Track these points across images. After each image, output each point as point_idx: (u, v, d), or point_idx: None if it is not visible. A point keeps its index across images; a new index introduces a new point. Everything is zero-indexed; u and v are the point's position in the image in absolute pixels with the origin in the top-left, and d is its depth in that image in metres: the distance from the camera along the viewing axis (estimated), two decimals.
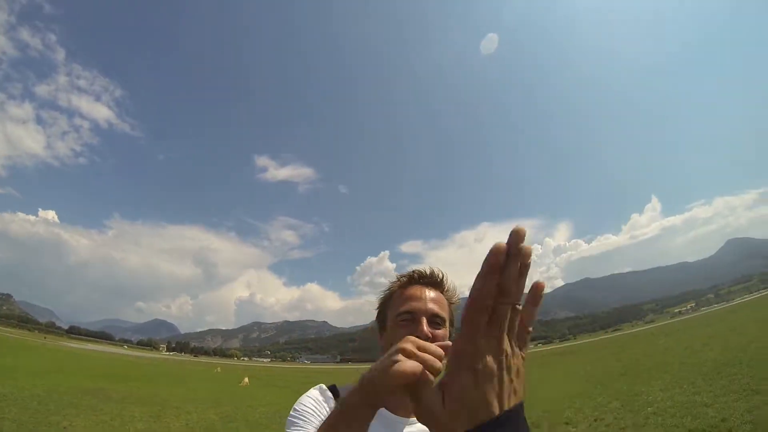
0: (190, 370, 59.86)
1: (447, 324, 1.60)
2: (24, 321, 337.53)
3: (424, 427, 1.50)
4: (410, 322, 1.55)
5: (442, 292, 1.66)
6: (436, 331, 1.54)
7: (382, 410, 1.57)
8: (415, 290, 1.64)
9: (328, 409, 1.57)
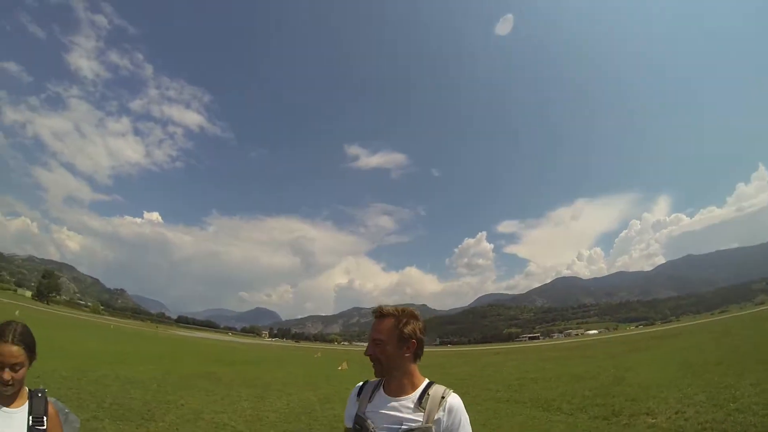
0: (291, 355, 62.56)
1: (393, 340, 2.56)
2: (137, 312, 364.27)
3: (408, 403, 2.49)
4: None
5: (392, 319, 2.61)
6: (375, 348, 2.57)
7: (380, 391, 2.66)
8: (373, 322, 2.67)
9: (353, 405, 2.77)
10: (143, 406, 12.29)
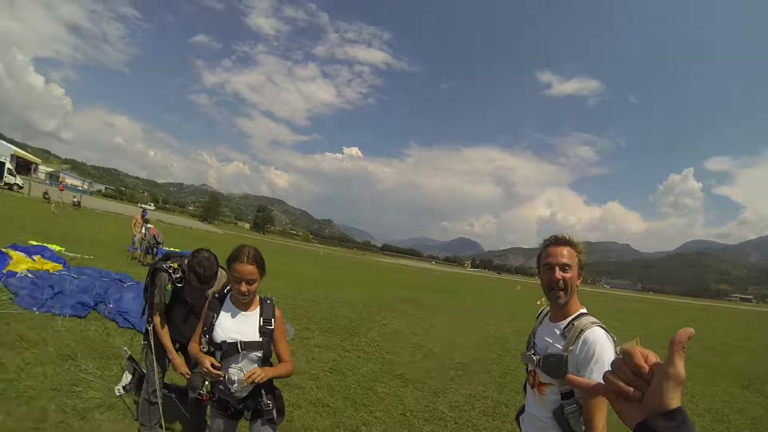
0: (492, 286, 63.62)
1: (575, 267, 2.67)
2: (344, 241, 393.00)
3: (556, 330, 2.65)
4: (550, 269, 2.66)
5: (570, 247, 2.70)
6: (565, 274, 2.62)
7: (547, 316, 2.86)
8: (552, 249, 2.71)
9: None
10: (349, 323, 13.67)
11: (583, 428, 2.44)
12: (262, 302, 3.43)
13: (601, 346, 2.42)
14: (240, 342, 3.24)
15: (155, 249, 19.65)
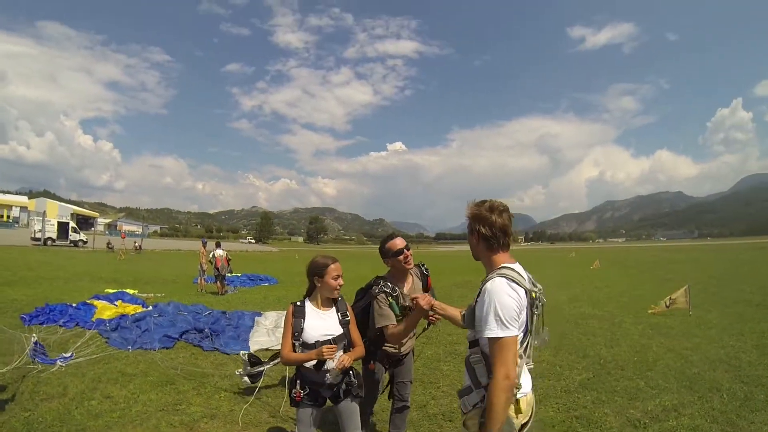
0: (546, 257, 64.93)
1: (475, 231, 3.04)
2: None
3: None
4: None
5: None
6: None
7: None
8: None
9: None
10: None
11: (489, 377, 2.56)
12: (335, 302, 4.03)
13: (496, 294, 2.54)
14: (332, 338, 3.78)
15: (224, 277, 20.44)
